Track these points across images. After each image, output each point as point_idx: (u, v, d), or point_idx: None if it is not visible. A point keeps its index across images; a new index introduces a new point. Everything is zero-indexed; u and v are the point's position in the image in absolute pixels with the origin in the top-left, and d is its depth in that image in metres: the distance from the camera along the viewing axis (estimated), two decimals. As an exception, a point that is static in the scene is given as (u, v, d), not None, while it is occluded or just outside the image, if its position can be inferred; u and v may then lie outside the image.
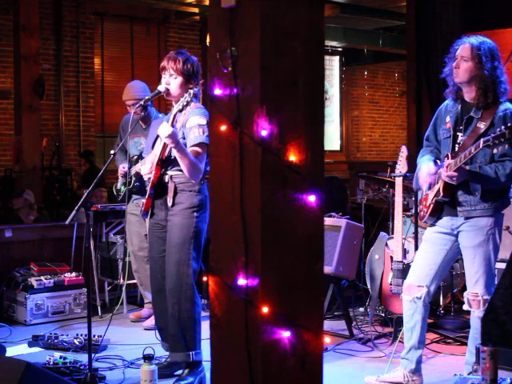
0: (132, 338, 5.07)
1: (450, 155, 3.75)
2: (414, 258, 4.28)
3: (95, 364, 4.22)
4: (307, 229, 2.28)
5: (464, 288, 4.02)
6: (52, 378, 3.12)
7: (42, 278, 5.68)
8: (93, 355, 3.96)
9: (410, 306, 3.93)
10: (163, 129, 3.82)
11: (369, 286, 5.51)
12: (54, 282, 5.69)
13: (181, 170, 3.92)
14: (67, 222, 3.88)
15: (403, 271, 4.71)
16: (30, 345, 4.87)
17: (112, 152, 4.22)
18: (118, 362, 4.51)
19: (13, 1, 9.35)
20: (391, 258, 5.07)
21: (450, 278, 5.49)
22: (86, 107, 11.08)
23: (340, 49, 14.18)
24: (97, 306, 5.84)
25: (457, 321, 5.43)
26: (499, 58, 3.79)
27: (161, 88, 4.07)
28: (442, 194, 3.79)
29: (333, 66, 14.52)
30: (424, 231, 4.16)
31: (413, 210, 5.16)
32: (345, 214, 5.61)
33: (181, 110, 3.99)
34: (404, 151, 4.61)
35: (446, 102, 3.98)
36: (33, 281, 5.63)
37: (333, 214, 5.56)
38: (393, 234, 5.17)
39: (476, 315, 3.76)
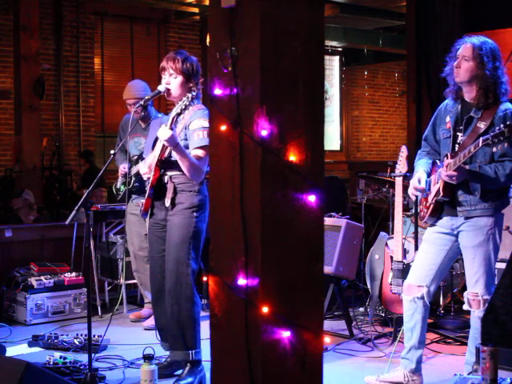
0: (132, 338, 5.07)
1: (449, 155, 3.76)
2: (414, 258, 4.28)
3: (95, 364, 4.22)
4: (307, 229, 2.28)
5: (464, 288, 4.02)
6: (52, 378, 3.12)
7: (42, 277, 5.68)
8: (93, 355, 3.96)
9: (410, 306, 3.93)
10: (162, 132, 3.85)
11: (369, 286, 5.51)
12: (53, 281, 5.69)
13: (180, 171, 3.93)
14: (67, 222, 3.89)
15: (403, 271, 4.71)
16: (30, 345, 4.87)
17: (112, 152, 4.23)
18: (118, 362, 4.51)
19: (13, 1, 9.35)
20: (391, 257, 5.07)
21: (450, 278, 5.49)
22: (85, 107, 11.08)
23: (340, 49, 14.18)
24: (97, 305, 5.84)
25: (457, 321, 5.43)
26: (500, 59, 3.79)
27: (161, 88, 4.07)
28: (441, 193, 3.79)
29: (333, 66, 14.52)
30: (424, 231, 4.16)
31: (413, 210, 5.16)
32: (345, 214, 5.62)
33: (179, 114, 3.99)
34: (404, 151, 4.60)
35: (445, 101, 3.98)
36: (33, 281, 5.63)
37: (333, 213, 5.57)
38: (393, 234, 5.17)
39: (476, 315, 3.76)
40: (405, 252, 4.97)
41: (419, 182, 3.87)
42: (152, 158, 4.11)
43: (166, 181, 4.03)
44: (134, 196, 5.56)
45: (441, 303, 5.53)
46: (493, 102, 3.72)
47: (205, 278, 4.73)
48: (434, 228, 3.92)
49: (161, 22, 11.72)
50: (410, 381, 3.94)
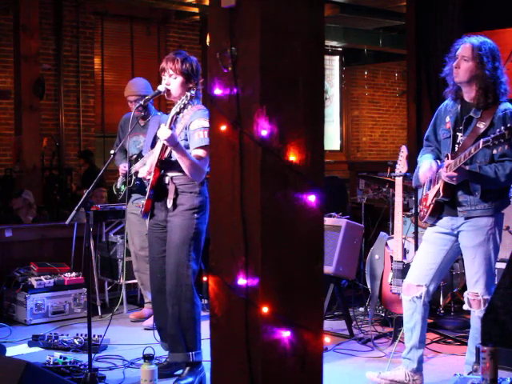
0: (132, 338, 5.07)
1: (449, 155, 3.75)
2: (413, 257, 4.28)
3: (95, 364, 4.22)
4: (307, 229, 2.28)
5: (464, 288, 4.02)
6: (52, 378, 3.12)
7: (42, 277, 5.68)
8: (93, 355, 3.97)
9: (410, 306, 3.93)
10: (162, 132, 3.85)
11: (369, 286, 5.51)
12: (53, 281, 5.69)
13: (181, 172, 3.93)
14: (67, 222, 3.89)
15: (403, 271, 4.71)
16: (30, 345, 4.87)
17: (112, 152, 4.23)
18: (118, 362, 4.51)
19: (13, 1, 9.34)
20: (391, 257, 5.07)
21: (450, 278, 5.49)
22: (85, 107, 11.07)
23: (340, 49, 14.17)
24: (97, 305, 5.84)
25: (457, 321, 5.44)
26: (500, 59, 3.79)
27: (161, 88, 4.07)
28: (441, 194, 3.79)
29: (333, 66, 14.51)
30: (424, 231, 4.16)
31: (413, 210, 5.16)
32: (345, 214, 5.62)
33: (178, 113, 3.99)
34: (404, 151, 4.61)
35: (445, 101, 3.98)
36: (33, 281, 5.63)
37: (333, 213, 5.57)
38: (393, 233, 5.17)
39: (476, 315, 3.76)
40: (405, 252, 4.97)
41: (431, 165, 3.84)
42: (152, 158, 4.11)
43: (167, 182, 4.03)
44: (134, 196, 5.56)
45: (441, 303, 5.53)
46: (492, 102, 3.72)
47: (205, 278, 4.72)
48: (433, 228, 3.92)
49: (161, 21, 11.72)
50: (411, 380, 3.94)
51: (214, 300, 2.32)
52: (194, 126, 3.93)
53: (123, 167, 5.51)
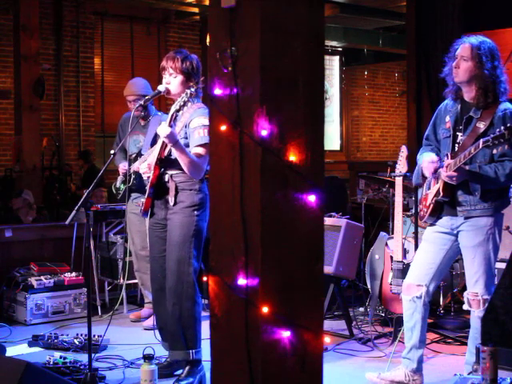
0: (132, 338, 5.07)
1: (449, 155, 3.75)
2: (413, 257, 4.28)
3: (95, 364, 4.22)
4: (307, 229, 2.28)
5: (464, 288, 4.02)
6: (52, 378, 3.12)
7: (42, 277, 5.68)
8: (93, 355, 3.96)
9: (410, 306, 3.93)
10: (162, 129, 3.86)
11: (369, 286, 5.51)
12: (54, 281, 5.69)
13: (181, 169, 3.94)
14: (67, 222, 3.89)
15: (403, 271, 4.71)
16: (30, 345, 4.87)
17: (112, 152, 4.23)
18: (118, 362, 4.51)
19: (13, 1, 9.35)
20: (391, 257, 5.07)
21: (450, 278, 5.49)
22: (85, 107, 11.08)
23: (340, 49, 14.17)
24: (97, 305, 5.84)
25: (457, 321, 5.44)
26: (499, 58, 3.79)
27: (161, 88, 4.08)
28: (441, 193, 3.79)
29: (333, 66, 14.52)
30: (424, 231, 4.16)
31: (413, 210, 5.16)
32: (345, 214, 5.62)
33: (178, 110, 4.00)
34: (404, 151, 4.61)
35: (445, 101, 3.98)
36: (33, 281, 5.63)
37: (333, 213, 5.56)
38: (393, 233, 5.17)
39: (476, 315, 3.76)
40: (405, 252, 4.97)
41: (432, 158, 3.84)
42: (152, 157, 4.11)
43: (166, 180, 4.03)
44: (133, 195, 5.55)
45: (441, 303, 5.53)
46: (492, 102, 3.72)
47: (205, 278, 4.72)
48: (433, 228, 3.92)
49: (161, 21, 11.72)
50: (411, 380, 3.94)
51: (214, 300, 2.32)
52: (194, 124, 3.93)
53: (123, 166, 5.51)
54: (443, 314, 5.55)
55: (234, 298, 2.25)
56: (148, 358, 3.86)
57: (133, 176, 5.44)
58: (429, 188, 3.91)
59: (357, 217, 6.27)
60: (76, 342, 4.73)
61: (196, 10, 11.17)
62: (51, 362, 4.19)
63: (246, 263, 2.21)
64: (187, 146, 3.95)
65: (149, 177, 4.07)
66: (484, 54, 3.72)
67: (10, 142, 9.86)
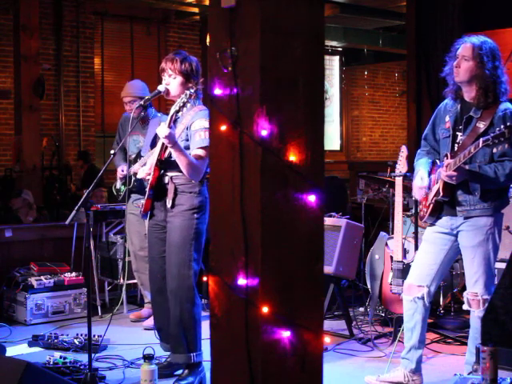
0: (132, 338, 5.07)
1: (449, 155, 3.75)
2: (414, 257, 4.28)
3: (95, 364, 4.22)
4: (307, 229, 2.28)
5: (464, 288, 4.02)
6: (52, 378, 3.12)
7: (42, 277, 5.68)
8: (93, 355, 3.96)
9: (411, 306, 3.93)
10: (161, 129, 3.86)
11: (369, 286, 5.51)
12: (54, 281, 5.69)
13: (181, 171, 3.93)
14: (67, 222, 3.89)
15: (403, 271, 4.71)
16: (30, 345, 4.87)
17: (112, 152, 4.23)
18: (118, 362, 4.51)
19: (13, 1, 9.35)
20: (391, 257, 5.07)
21: (450, 278, 5.49)
22: (86, 107, 11.08)
23: (340, 49, 14.18)
24: (97, 305, 5.84)
25: (457, 321, 5.43)
26: (500, 58, 3.79)
27: (161, 88, 4.08)
28: (441, 193, 3.79)
29: (333, 66, 14.52)
30: (424, 231, 4.16)
31: (413, 210, 5.16)
32: (345, 214, 5.62)
33: (178, 111, 3.99)
34: (404, 151, 4.61)
35: (445, 101, 3.98)
36: (33, 281, 5.63)
37: (333, 213, 5.56)
38: (393, 233, 5.17)
39: (476, 315, 3.76)
40: (405, 252, 4.97)
41: (422, 180, 3.87)
42: (151, 158, 4.11)
43: (166, 181, 4.03)
44: (133, 196, 5.55)
45: (441, 303, 5.53)
46: (492, 102, 3.72)
47: (205, 278, 4.72)
48: (433, 228, 3.92)
49: (161, 21, 11.72)
50: (410, 381, 3.94)
51: (214, 300, 2.32)
52: (195, 127, 3.93)
53: (121, 170, 5.52)
54: (443, 314, 5.55)
55: (234, 298, 2.25)
56: (148, 357, 3.86)
57: (133, 178, 5.44)
58: (429, 188, 3.91)
59: (357, 217, 6.27)
60: (76, 342, 4.73)
61: (196, 10, 11.17)
62: (51, 362, 4.19)
63: (246, 263, 2.21)
64: (188, 148, 3.95)
65: (149, 179, 4.07)
66: (485, 54, 3.72)
67: (10, 141, 9.87)
